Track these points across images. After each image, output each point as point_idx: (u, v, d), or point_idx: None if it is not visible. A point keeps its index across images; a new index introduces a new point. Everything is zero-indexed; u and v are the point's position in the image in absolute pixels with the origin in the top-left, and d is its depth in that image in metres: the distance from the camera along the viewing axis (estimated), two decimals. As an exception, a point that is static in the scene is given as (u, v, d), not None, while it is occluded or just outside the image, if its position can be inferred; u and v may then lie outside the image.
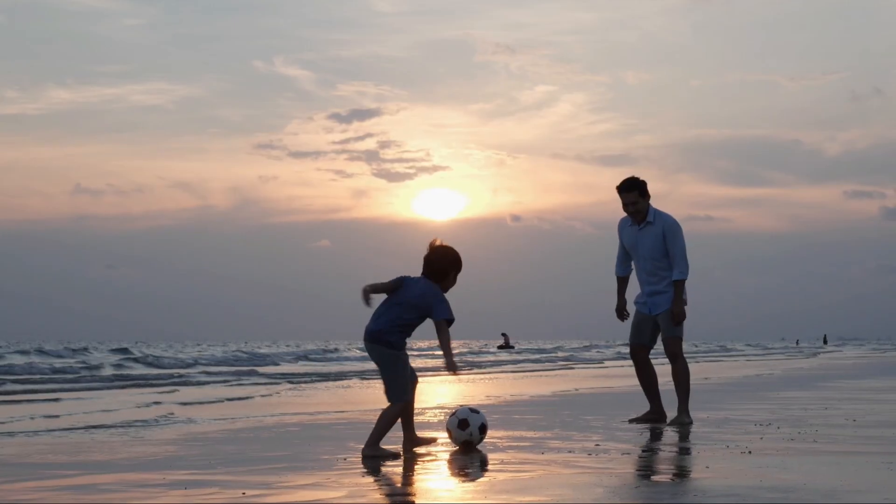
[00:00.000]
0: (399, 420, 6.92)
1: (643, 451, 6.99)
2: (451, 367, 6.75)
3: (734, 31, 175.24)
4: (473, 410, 7.25)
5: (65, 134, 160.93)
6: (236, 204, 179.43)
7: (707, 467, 5.94)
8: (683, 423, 8.79)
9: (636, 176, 8.98)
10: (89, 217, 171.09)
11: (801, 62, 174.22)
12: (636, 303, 9.12)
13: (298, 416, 10.67)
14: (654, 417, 9.00)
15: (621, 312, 9.13)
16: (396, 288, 6.83)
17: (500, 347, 61.28)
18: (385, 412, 6.82)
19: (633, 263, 9.13)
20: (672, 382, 9.04)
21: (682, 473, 5.85)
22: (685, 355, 9.09)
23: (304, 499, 5.04)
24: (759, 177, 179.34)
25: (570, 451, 6.93)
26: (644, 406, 9.30)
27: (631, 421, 8.98)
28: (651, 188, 8.98)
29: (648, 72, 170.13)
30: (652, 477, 5.70)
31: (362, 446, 6.79)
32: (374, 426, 6.82)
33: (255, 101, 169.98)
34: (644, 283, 9.01)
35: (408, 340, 6.86)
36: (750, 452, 6.62)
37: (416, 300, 6.77)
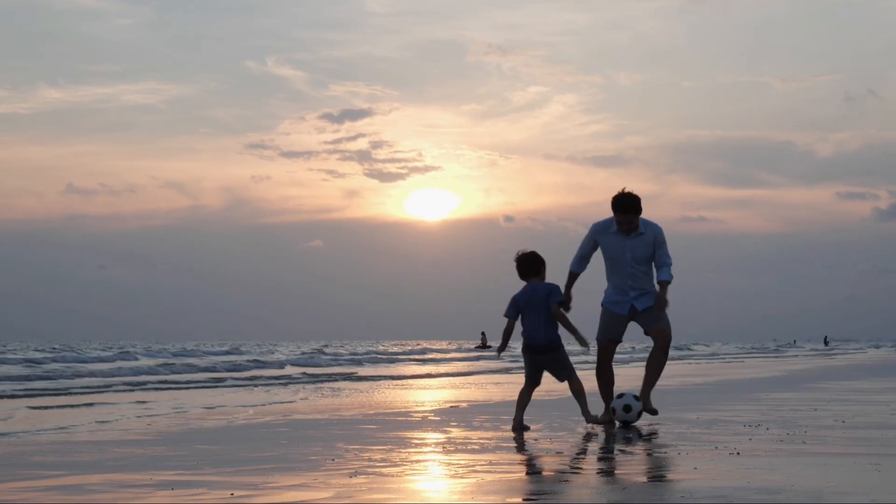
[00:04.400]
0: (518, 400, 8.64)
1: (631, 451, 7.00)
2: (583, 343, 8.60)
3: (727, 32, 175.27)
4: (637, 398, 8.84)
5: (56, 133, 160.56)
6: (228, 204, 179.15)
7: (695, 468, 5.95)
8: (652, 411, 8.94)
9: (631, 193, 8.86)
10: (81, 217, 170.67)
11: (794, 64, 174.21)
12: (607, 303, 9.05)
13: (297, 416, 10.66)
14: (610, 419, 8.92)
15: (567, 306, 9.07)
16: (522, 308, 8.57)
17: (477, 347, 61.27)
18: (576, 388, 8.65)
19: (607, 267, 9.06)
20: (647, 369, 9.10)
21: (669, 474, 5.86)
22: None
23: (291, 499, 5.04)
24: (752, 178, 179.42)
25: (558, 452, 6.94)
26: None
27: (589, 421, 8.84)
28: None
29: (641, 73, 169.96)
30: (640, 477, 5.70)
31: (353, 446, 6.78)
32: (579, 404, 8.69)
33: (248, 101, 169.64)
34: (628, 289, 8.95)
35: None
36: (738, 453, 6.63)
37: (546, 297, 8.51)
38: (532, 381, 8.71)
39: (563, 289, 8.79)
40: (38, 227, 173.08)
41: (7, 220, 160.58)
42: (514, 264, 8.69)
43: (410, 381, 20.66)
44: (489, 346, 61.42)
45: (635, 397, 8.84)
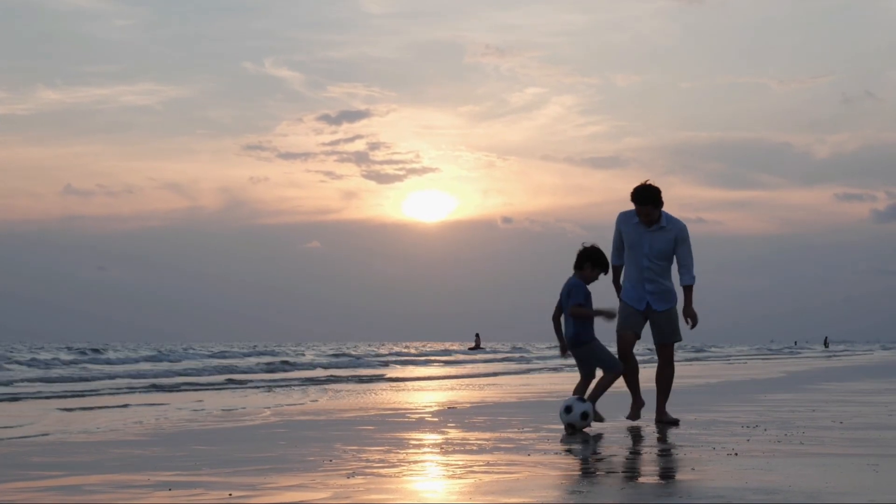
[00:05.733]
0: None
1: (629, 452, 7.00)
2: (611, 315, 8.78)
3: (725, 33, 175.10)
4: (580, 399, 8.48)
5: (54, 134, 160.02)
6: (226, 205, 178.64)
7: (693, 469, 5.95)
8: (673, 422, 8.99)
9: (650, 184, 8.84)
10: (79, 218, 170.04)
11: (792, 65, 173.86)
12: (626, 297, 9.01)
13: (292, 417, 10.66)
14: (641, 404, 9.00)
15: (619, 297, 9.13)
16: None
17: (470, 349, 61.44)
18: (602, 380, 8.79)
19: (626, 258, 9.03)
20: (655, 383, 9.14)
21: (667, 475, 5.86)
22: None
23: (289, 500, 5.04)
24: (750, 179, 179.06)
25: (556, 453, 6.94)
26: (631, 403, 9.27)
27: (630, 418, 8.97)
28: None
29: (639, 74, 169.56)
30: (638, 478, 5.70)
31: (351, 447, 6.79)
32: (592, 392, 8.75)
33: (245, 103, 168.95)
34: (645, 282, 8.93)
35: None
36: (736, 454, 6.63)
37: (567, 296, 8.76)
38: (582, 375, 8.87)
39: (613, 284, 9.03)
40: (36, 227, 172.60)
41: (5, 221, 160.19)
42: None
43: (442, 383, 20.66)
44: (482, 349, 61.50)
45: (580, 400, 8.50)
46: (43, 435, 8.83)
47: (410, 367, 32.64)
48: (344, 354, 45.44)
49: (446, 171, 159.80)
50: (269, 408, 12.36)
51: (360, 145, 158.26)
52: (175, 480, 5.73)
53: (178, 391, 17.10)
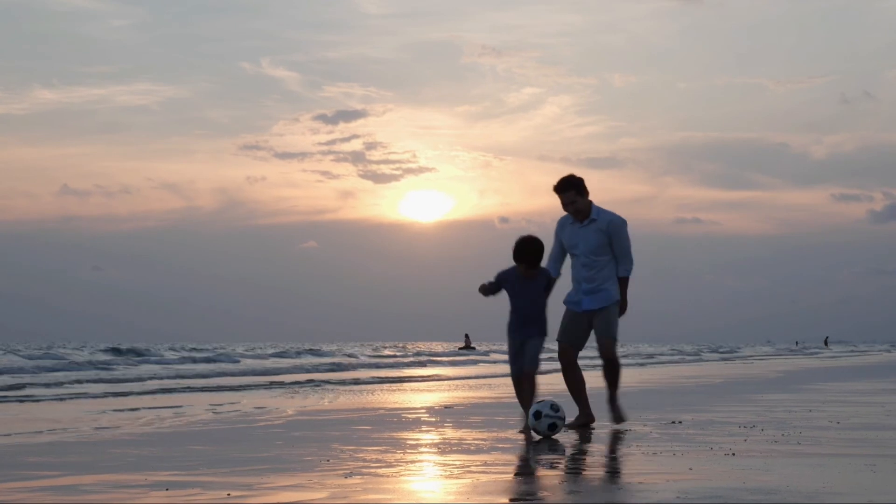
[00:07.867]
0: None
1: (627, 452, 7.00)
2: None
3: (722, 34, 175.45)
4: (553, 407, 7.99)
5: (51, 135, 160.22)
6: (223, 205, 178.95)
7: (690, 469, 5.96)
8: (619, 417, 8.77)
9: (572, 174, 8.78)
10: (76, 218, 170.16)
11: (789, 65, 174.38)
12: (567, 302, 8.84)
13: (291, 417, 10.65)
14: (585, 421, 8.71)
15: None
16: None
17: (460, 349, 61.55)
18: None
19: (571, 262, 8.86)
20: (605, 382, 8.91)
21: (665, 475, 5.85)
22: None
23: (286, 500, 5.04)
24: (747, 180, 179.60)
25: (553, 453, 6.94)
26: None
27: (568, 427, 8.48)
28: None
29: (635, 74, 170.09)
30: (636, 478, 5.70)
31: (348, 447, 6.79)
32: None
33: (242, 103, 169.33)
34: (582, 281, 8.73)
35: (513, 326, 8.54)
36: (733, 454, 6.64)
37: None
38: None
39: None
40: (32, 228, 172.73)
41: (2, 222, 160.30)
42: (511, 265, 8.43)
43: (482, 381, 20.67)
44: (473, 348, 61.56)
45: (552, 406, 7.98)
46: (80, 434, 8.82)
47: (448, 368, 32.75)
48: (383, 355, 46.04)
49: (443, 171, 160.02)
50: (290, 408, 12.30)
51: (356, 145, 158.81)
52: (172, 480, 5.73)
53: (217, 391, 17.07)
